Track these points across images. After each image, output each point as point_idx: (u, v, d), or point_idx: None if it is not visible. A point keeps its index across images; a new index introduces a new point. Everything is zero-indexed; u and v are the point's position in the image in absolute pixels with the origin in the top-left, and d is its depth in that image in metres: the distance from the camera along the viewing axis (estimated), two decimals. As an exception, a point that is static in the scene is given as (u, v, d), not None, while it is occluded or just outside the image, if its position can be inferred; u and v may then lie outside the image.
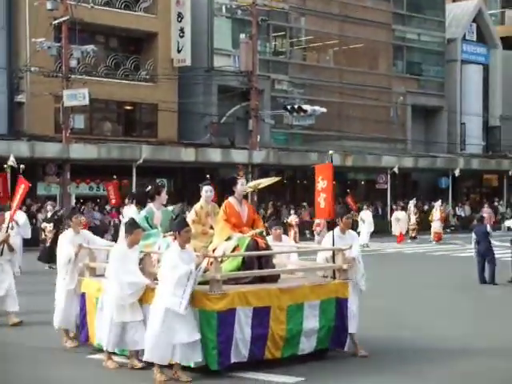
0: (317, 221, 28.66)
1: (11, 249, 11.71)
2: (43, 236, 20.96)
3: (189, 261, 8.13)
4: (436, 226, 31.06)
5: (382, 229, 32.11)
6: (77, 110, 31.47)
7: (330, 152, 10.28)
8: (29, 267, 18.27)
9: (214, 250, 9.04)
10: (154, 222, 9.62)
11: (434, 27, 46.88)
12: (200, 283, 8.23)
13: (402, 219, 30.82)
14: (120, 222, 23.00)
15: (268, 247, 9.32)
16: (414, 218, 31.83)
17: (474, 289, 16.50)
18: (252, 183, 11.92)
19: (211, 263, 8.42)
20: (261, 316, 8.47)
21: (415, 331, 11.16)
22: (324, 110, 34.77)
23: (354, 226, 29.73)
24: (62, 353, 9.67)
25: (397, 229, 30.84)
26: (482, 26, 49.57)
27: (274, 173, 34.21)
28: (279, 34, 40.53)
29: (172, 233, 8.69)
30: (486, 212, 33.51)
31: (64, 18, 29.57)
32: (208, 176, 28.92)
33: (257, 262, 9.04)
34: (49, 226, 21.09)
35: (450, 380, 8.52)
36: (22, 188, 12.07)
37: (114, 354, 8.84)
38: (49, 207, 22.47)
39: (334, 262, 9.43)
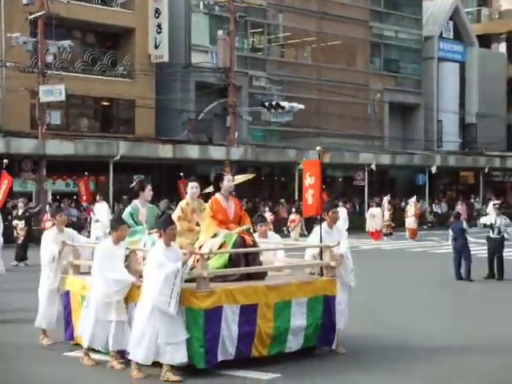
0: (291, 217, 28.75)
1: None
2: (15, 234, 20.79)
3: (175, 259, 8.02)
4: (410, 222, 31.11)
5: (359, 225, 32.17)
6: (53, 105, 31.25)
7: (318, 148, 10.14)
8: (10, 265, 18.16)
9: (200, 247, 8.91)
10: (139, 219, 9.54)
11: (411, 25, 47.10)
12: (186, 281, 8.14)
13: (377, 216, 30.79)
14: (91, 218, 22.89)
15: (255, 244, 9.23)
16: (387, 215, 31.86)
17: (451, 285, 16.58)
18: None
19: (197, 260, 8.32)
20: (248, 313, 8.39)
21: (394, 328, 11.17)
22: (302, 106, 34.75)
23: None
24: (40, 350, 9.57)
25: (372, 225, 30.85)
26: (458, 23, 49.88)
27: (251, 169, 34.29)
28: (257, 30, 40.48)
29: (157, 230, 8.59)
30: (460, 209, 33.63)
31: (40, 13, 29.32)
32: (182, 174, 28.79)
33: (244, 259, 8.94)
34: (20, 224, 20.93)
35: (434, 377, 8.50)
36: (5, 184, 11.92)
37: (98, 352, 8.73)
38: (20, 204, 22.05)
39: (321, 258, 9.35)
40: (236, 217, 9.42)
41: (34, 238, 22.34)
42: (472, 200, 43.94)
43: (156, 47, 35.27)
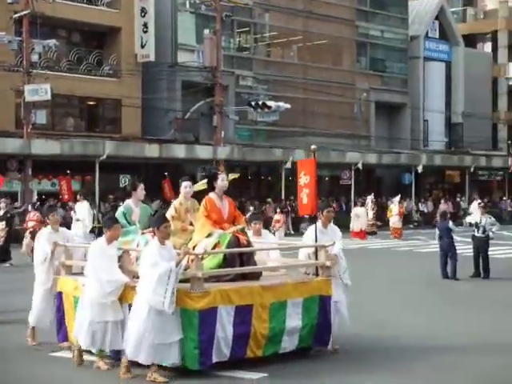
0: (276, 217, 28.67)
1: None
2: (-4, 234, 20.68)
3: (169, 257, 7.94)
4: (395, 221, 31.13)
5: (345, 225, 32.15)
6: (38, 105, 31.08)
7: (313, 147, 9.95)
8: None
9: (194, 247, 8.81)
10: (133, 219, 9.46)
11: (397, 24, 47.22)
12: (181, 281, 8.02)
13: (361, 215, 30.77)
14: (72, 218, 22.79)
15: (249, 244, 9.13)
16: (371, 214, 31.87)
17: (437, 284, 16.63)
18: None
19: (192, 260, 8.22)
20: (243, 314, 8.28)
21: (386, 327, 11.13)
22: (288, 106, 34.78)
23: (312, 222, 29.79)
24: (24, 351, 9.49)
25: (356, 225, 30.82)
26: (444, 23, 50.07)
27: (238, 169, 34.24)
28: (243, 29, 40.47)
29: (151, 229, 8.51)
30: (443, 208, 33.68)
31: (25, 12, 29.19)
32: (166, 173, 28.79)
33: (238, 259, 8.85)
34: (1, 225, 20.80)
35: (436, 377, 8.48)
36: None
37: (90, 352, 8.65)
38: (2, 205, 21.84)
39: (316, 258, 9.27)
40: (230, 216, 9.33)
41: (15, 238, 22.27)
42: (458, 199, 44.13)
43: (142, 46, 35.18)
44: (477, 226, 17.76)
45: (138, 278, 8.19)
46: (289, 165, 35.70)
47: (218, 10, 34.31)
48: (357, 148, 42.35)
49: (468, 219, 21.29)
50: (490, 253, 17.95)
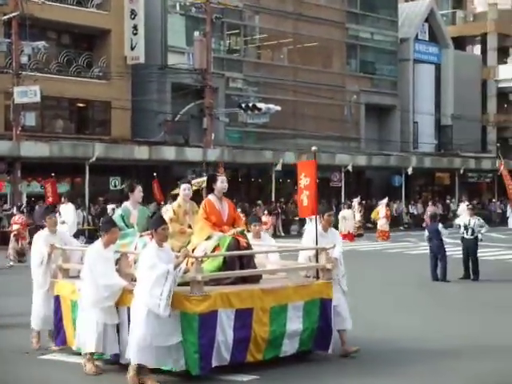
0: (263, 219, 28.63)
1: None
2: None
3: (167, 260, 7.84)
4: (382, 223, 31.08)
5: (335, 227, 32.19)
6: (28, 107, 30.97)
7: (314, 148, 9.78)
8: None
9: (193, 250, 8.72)
10: (131, 221, 9.38)
11: (386, 26, 47.32)
12: (180, 284, 7.92)
13: (348, 218, 30.67)
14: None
15: (249, 246, 9.01)
16: (358, 216, 31.84)
17: (427, 286, 16.65)
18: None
19: (192, 263, 8.13)
20: (243, 318, 8.19)
21: (379, 329, 11.11)
22: (278, 108, 34.80)
23: (304, 223, 29.85)
24: (19, 353, 9.40)
25: (344, 227, 30.76)
26: (433, 26, 50.20)
27: (228, 171, 34.19)
28: (233, 31, 40.45)
29: (149, 232, 8.44)
30: (430, 211, 33.67)
31: (14, 14, 29.09)
32: (155, 174, 28.73)
33: (238, 262, 8.76)
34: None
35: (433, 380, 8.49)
36: None
37: (79, 354, 8.57)
38: None
39: (317, 261, 9.18)
40: (230, 219, 9.24)
41: (3, 240, 22.19)
42: (448, 201, 44.25)
43: (132, 48, 35.11)
44: (466, 227, 17.81)
45: (135, 281, 8.10)
46: (279, 167, 35.73)
47: (207, 12, 34.32)
48: (347, 150, 42.40)
49: (457, 221, 21.35)
50: (479, 255, 18.01)
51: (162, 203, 24.01)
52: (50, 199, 27.84)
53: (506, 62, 55.51)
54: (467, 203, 27.49)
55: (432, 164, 44.55)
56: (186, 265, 8.18)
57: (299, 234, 30.15)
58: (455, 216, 37.25)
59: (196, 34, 35.41)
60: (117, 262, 8.62)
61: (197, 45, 34.04)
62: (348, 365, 8.94)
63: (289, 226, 35.89)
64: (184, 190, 9.55)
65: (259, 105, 34.43)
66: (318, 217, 9.38)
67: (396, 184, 42.74)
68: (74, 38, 35.97)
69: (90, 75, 34.60)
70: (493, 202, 46.64)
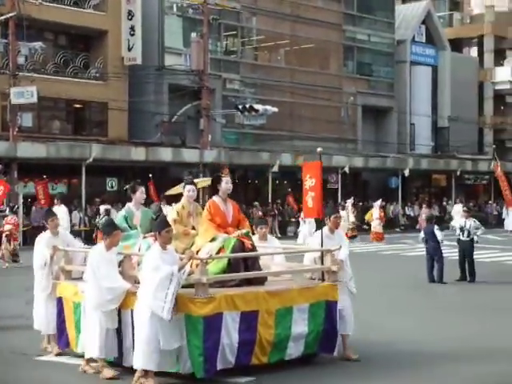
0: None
1: None
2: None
3: (171, 262, 7.77)
4: (376, 225, 31.03)
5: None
6: (25, 107, 30.92)
7: (319, 149, 9.70)
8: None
9: (197, 252, 8.65)
10: (134, 223, 9.32)
11: (383, 28, 47.35)
12: (184, 286, 7.85)
13: (343, 219, 30.49)
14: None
15: (254, 248, 8.94)
16: (352, 217, 31.79)
17: (424, 287, 16.67)
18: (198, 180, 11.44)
19: (196, 265, 8.06)
20: (249, 320, 8.13)
21: (378, 332, 11.09)
22: (275, 109, 34.82)
23: (298, 225, 29.94)
24: (11, 355, 9.42)
25: None
26: (430, 27, 50.24)
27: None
28: (230, 33, 40.45)
29: (152, 233, 8.39)
30: (424, 213, 33.66)
31: (11, 14, 29.02)
32: (150, 175, 28.71)
33: (243, 264, 8.70)
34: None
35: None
36: (1, 189, 11.69)
37: (82, 357, 8.53)
38: None
39: (322, 263, 9.11)
40: (234, 220, 9.16)
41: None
42: (444, 203, 44.29)
43: (129, 49, 35.09)
44: (462, 229, 17.84)
45: (139, 283, 8.04)
46: (276, 168, 35.74)
47: (205, 14, 34.31)
48: (343, 152, 42.40)
49: (453, 223, 21.40)
50: (475, 256, 18.03)
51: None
52: (42, 201, 27.78)
53: (502, 64, 55.58)
54: (461, 205, 27.52)
55: (429, 166, 44.60)
56: (191, 267, 8.12)
57: (296, 236, 30.20)
58: (451, 218, 37.35)
59: (193, 35, 35.39)
60: (120, 264, 8.58)
61: (194, 46, 34.04)
62: (351, 367, 8.89)
63: (285, 227, 35.92)
64: (188, 192, 9.43)
65: (256, 106, 34.45)
66: (324, 219, 9.35)
67: (393, 186, 42.76)
68: (71, 39, 35.94)
69: (87, 76, 34.58)
70: (489, 203, 46.69)
